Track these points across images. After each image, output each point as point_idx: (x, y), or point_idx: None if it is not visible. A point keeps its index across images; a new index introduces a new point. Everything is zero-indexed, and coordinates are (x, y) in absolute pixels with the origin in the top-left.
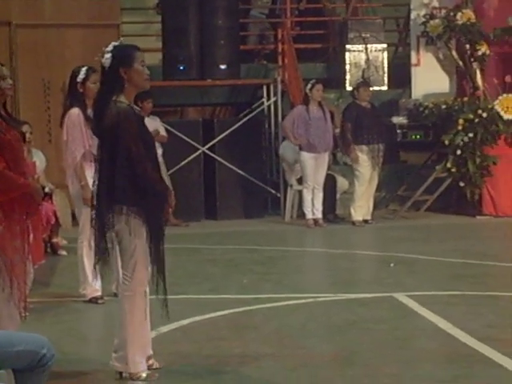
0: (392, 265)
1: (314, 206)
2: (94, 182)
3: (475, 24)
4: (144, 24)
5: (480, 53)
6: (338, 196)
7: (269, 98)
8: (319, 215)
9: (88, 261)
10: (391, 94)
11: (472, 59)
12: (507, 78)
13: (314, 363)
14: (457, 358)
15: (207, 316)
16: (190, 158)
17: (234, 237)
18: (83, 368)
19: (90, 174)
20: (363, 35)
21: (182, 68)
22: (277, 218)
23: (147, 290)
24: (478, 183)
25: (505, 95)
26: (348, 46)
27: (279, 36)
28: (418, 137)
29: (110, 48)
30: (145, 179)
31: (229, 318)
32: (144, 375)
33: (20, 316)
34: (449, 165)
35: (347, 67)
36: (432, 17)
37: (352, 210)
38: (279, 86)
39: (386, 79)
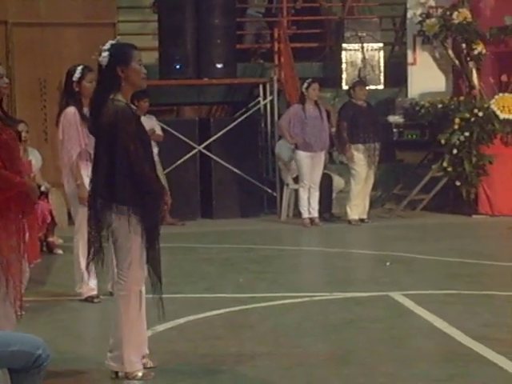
0: (388, 264)
1: (310, 205)
2: (90, 180)
3: (471, 23)
4: (140, 23)
5: (476, 52)
6: (334, 195)
7: (265, 97)
8: (315, 214)
9: (84, 260)
10: (387, 92)
11: (468, 58)
12: (503, 78)
13: (310, 362)
14: (452, 357)
15: (203, 315)
16: (186, 157)
17: (230, 236)
18: (79, 367)
19: (85, 173)
20: (359, 34)
21: (178, 67)
22: (273, 217)
23: (143, 289)
24: (474, 182)
25: (501, 94)
26: (344, 45)
27: (275, 35)
28: (414, 136)
29: (107, 46)
30: (142, 178)
31: (225, 317)
32: (140, 374)
33: (16, 315)
34: (445, 164)
35: (343, 66)
36: (428, 16)
37: (348, 209)
38: (275, 85)
39: (382, 78)
